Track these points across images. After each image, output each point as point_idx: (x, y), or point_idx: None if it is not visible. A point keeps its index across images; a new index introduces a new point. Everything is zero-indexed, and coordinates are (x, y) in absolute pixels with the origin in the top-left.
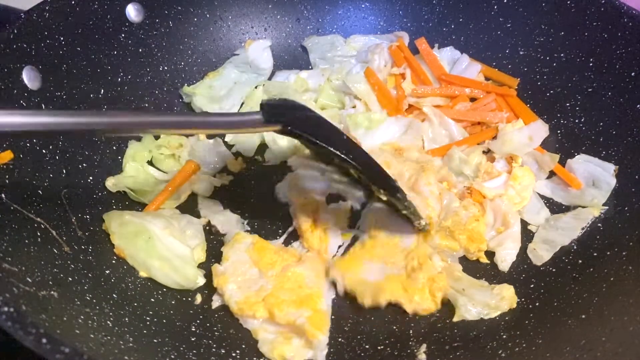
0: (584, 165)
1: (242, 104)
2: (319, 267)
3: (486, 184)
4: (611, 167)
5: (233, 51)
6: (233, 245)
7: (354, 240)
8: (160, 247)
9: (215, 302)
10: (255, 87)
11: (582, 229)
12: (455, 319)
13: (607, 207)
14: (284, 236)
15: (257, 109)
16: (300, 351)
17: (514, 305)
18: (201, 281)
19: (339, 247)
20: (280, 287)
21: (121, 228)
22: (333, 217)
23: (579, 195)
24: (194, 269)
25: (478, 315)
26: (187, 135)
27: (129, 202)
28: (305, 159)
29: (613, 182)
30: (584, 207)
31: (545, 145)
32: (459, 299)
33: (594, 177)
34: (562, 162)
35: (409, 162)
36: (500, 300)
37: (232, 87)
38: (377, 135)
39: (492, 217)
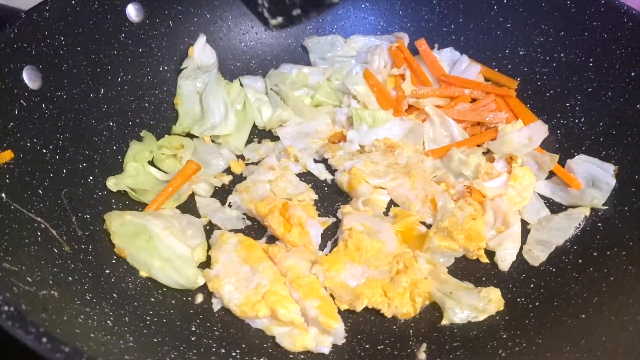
0: (583, 165)
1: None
2: (309, 256)
3: (486, 184)
4: (611, 167)
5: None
6: (220, 247)
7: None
8: (161, 247)
9: (216, 306)
10: (232, 82)
11: (576, 228)
12: (443, 322)
13: (607, 207)
14: (264, 239)
15: (241, 103)
16: (320, 338)
17: (502, 308)
18: (201, 281)
19: (329, 242)
20: (277, 281)
21: (121, 228)
22: (303, 209)
23: (579, 195)
24: (194, 268)
25: (466, 319)
26: None
27: (129, 202)
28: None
29: (613, 182)
30: (584, 207)
31: (545, 145)
32: (447, 302)
33: (594, 177)
34: (562, 162)
35: (395, 165)
36: (487, 303)
37: (198, 98)
38: (379, 133)
39: (493, 217)
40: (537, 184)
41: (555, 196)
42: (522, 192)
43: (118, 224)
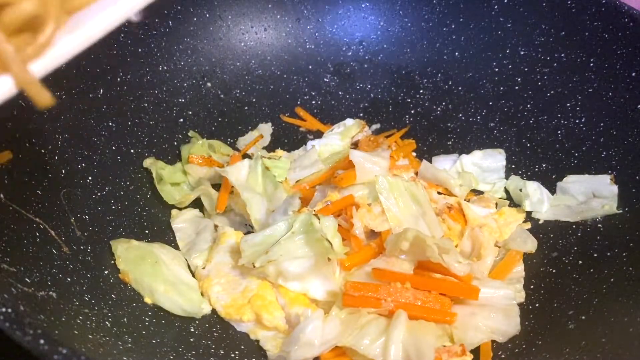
0: (577, 184)
1: None
2: None
3: (472, 206)
4: (606, 177)
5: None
6: (217, 246)
7: None
8: (167, 272)
9: (205, 309)
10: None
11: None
12: None
13: (621, 211)
14: None
15: None
16: None
17: None
18: (206, 308)
19: None
20: (264, 286)
21: (127, 252)
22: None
23: (584, 208)
24: (199, 295)
25: None
26: None
27: (128, 202)
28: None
29: (614, 188)
30: (598, 217)
31: (545, 146)
32: None
33: (593, 190)
34: (559, 177)
35: None
36: None
37: None
38: None
39: (470, 247)
40: (537, 214)
41: (560, 216)
42: (503, 227)
43: (124, 248)
